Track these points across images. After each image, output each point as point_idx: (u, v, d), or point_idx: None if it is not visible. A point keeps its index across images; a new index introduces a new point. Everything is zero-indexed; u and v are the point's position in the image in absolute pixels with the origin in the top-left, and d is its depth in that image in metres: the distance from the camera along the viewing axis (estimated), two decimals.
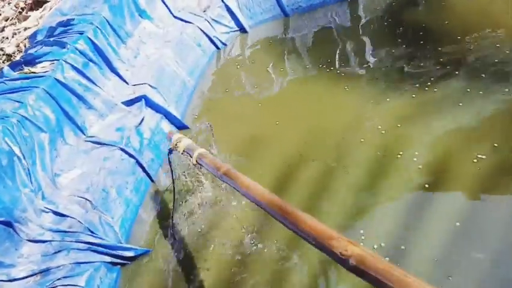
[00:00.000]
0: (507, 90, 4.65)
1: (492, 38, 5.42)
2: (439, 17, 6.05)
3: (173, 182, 4.47)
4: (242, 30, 7.18)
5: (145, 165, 5.06)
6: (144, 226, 4.72)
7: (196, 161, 3.63)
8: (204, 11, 7.03)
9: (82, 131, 5.08)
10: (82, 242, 4.18)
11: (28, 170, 4.35)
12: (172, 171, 4.42)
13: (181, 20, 6.76)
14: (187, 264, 4.24)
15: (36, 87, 4.77)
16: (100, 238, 4.25)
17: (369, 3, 6.88)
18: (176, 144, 3.92)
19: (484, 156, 4.13)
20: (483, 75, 4.94)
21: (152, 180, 5.15)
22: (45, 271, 4.02)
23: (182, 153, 3.91)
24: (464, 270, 3.44)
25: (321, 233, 2.16)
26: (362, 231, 3.92)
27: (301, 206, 4.17)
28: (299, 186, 4.52)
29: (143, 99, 5.43)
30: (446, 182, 4.09)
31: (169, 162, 4.37)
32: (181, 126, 5.73)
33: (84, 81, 5.23)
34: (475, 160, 4.12)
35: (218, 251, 4.24)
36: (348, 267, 1.99)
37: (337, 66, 5.92)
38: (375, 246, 3.79)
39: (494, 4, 6.00)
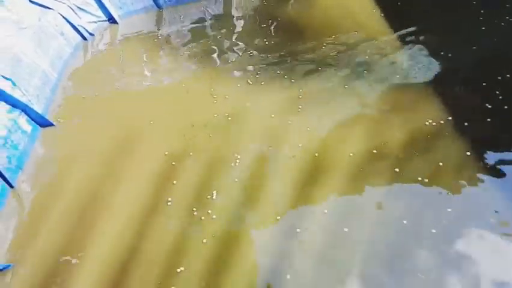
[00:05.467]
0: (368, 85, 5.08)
1: (355, 36, 5.87)
2: (309, 15, 6.35)
3: None
4: (112, 20, 6.62)
5: (0, 168, 4.31)
6: (3, 238, 4.00)
7: None
8: None
9: None
10: None
11: None
12: None
13: (39, 5, 5.97)
14: (56, 275, 3.72)
15: None
16: None
17: None
18: None
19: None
20: (348, 71, 5.32)
21: (11, 186, 4.41)
22: None
23: None
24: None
25: None
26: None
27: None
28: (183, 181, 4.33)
29: None
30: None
31: None
32: (44, 124, 5.04)
33: None
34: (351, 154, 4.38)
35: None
36: None
37: (212, 60, 5.83)
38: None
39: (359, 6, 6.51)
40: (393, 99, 4.93)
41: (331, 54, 5.62)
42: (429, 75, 5.15)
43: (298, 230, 3.82)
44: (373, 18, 6.17)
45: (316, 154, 4.42)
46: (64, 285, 3.67)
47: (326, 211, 3.94)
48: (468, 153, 4.29)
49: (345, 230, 3.76)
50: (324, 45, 5.74)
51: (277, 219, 3.93)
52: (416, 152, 4.32)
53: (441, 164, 4.22)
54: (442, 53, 5.40)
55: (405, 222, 3.78)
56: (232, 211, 4.05)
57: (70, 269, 3.76)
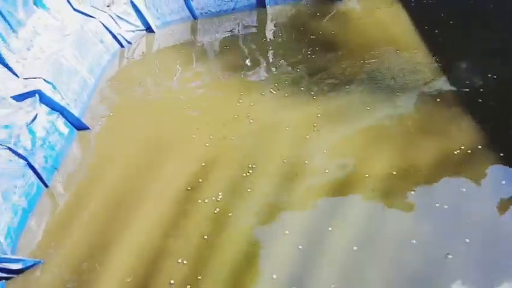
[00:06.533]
0: (400, 104, 5.10)
1: (389, 54, 5.87)
2: (344, 31, 6.41)
3: None
4: (149, 29, 6.91)
5: (37, 167, 4.58)
6: (35, 235, 4.25)
7: None
8: (108, 6, 6.64)
9: None
10: None
11: None
12: None
13: (82, 13, 6.30)
14: (85, 273, 3.91)
15: None
16: None
17: (277, 13, 7.07)
18: None
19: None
20: (377, 89, 5.33)
21: (46, 185, 4.68)
22: None
23: None
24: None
25: None
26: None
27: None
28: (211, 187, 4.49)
29: (37, 95, 4.92)
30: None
31: None
32: (80, 127, 5.31)
33: None
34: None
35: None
36: None
37: (243, 72, 6.00)
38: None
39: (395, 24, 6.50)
40: (424, 123, 4.85)
41: (362, 73, 5.63)
42: (466, 99, 4.98)
43: (300, 247, 3.84)
44: (410, 38, 6.11)
45: (327, 171, 4.45)
46: (90, 285, 3.82)
47: (330, 229, 3.94)
48: (503, 182, 4.16)
49: (355, 248, 3.76)
50: (356, 64, 5.76)
51: (286, 234, 3.98)
52: (439, 178, 4.26)
53: (464, 189, 4.16)
54: (489, 75, 5.21)
55: (414, 241, 3.75)
56: (241, 220, 4.15)
57: (98, 270, 3.90)
